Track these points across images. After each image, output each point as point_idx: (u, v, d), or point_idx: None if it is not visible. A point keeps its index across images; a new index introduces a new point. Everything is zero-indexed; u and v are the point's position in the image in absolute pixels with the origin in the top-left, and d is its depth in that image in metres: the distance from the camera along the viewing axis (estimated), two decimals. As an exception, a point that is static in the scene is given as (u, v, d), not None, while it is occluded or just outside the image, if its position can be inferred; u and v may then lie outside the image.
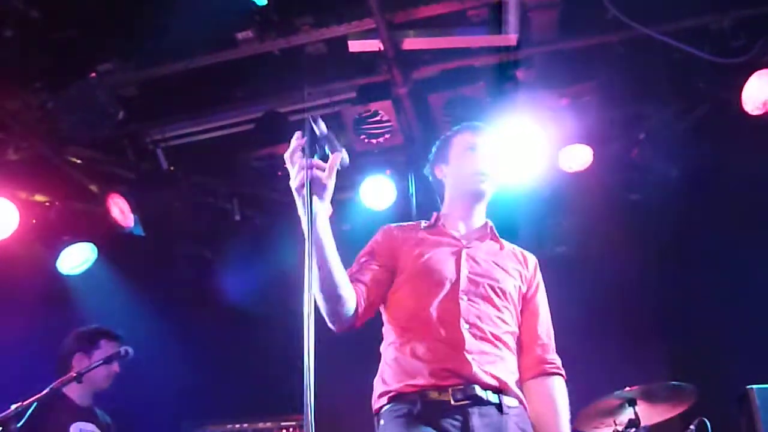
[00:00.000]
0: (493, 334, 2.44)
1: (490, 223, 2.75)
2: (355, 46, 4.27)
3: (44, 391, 3.38)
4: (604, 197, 5.14)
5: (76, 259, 5.09)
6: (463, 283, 2.49)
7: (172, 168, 5.15)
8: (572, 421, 2.52)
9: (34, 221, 4.94)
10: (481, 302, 2.48)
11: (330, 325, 2.30)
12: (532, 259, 2.74)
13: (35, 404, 3.27)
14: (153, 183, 5.13)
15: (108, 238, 5.08)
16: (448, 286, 2.48)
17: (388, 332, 2.54)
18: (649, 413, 3.91)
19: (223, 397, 5.49)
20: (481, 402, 2.32)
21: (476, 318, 2.44)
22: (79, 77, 4.29)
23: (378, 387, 2.47)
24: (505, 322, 2.51)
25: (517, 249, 2.75)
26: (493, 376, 2.37)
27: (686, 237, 5.21)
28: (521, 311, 2.62)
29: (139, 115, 4.75)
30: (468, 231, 2.70)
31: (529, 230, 5.19)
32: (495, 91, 4.58)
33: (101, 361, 3.70)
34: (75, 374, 3.55)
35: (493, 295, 2.52)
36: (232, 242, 5.51)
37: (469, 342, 2.39)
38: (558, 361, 2.59)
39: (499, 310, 2.51)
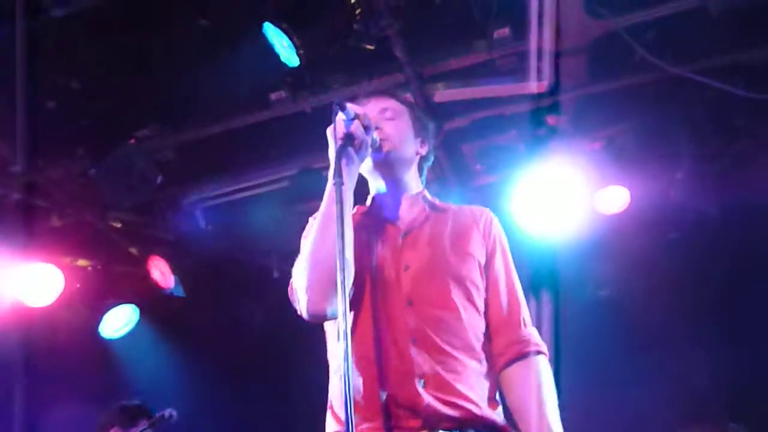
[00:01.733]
0: (454, 345, 2.00)
1: (425, 192, 2.30)
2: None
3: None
4: (643, 238, 5.03)
5: (119, 321, 5.13)
6: (407, 284, 2.05)
7: (209, 227, 5.16)
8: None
9: (78, 286, 5.00)
10: (433, 305, 2.03)
11: (309, 306, 1.96)
12: (485, 215, 2.26)
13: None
14: (192, 243, 5.15)
15: (150, 299, 5.12)
16: (388, 290, 2.05)
17: (332, 352, 2.12)
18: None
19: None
20: None
21: (429, 328, 1.99)
22: (118, 144, 4.38)
23: (328, 420, 2.07)
24: (471, 322, 2.07)
25: (465, 208, 2.29)
26: (455, 405, 1.94)
27: (731, 275, 5.09)
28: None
29: (176, 178, 4.81)
30: (402, 210, 2.23)
31: (570, 275, 5.06)
32: (528, 139, 4.56)
33: (146, 426, 3.69)
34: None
35: (449, 290, 2.06)
36: (272, 299, 5.41)
37: (420, 364, 1.95)
38: (534, 336, 2.14)
39: (458, 309, 2.05)
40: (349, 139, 2.00)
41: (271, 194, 5.03)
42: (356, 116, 2.02)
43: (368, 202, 2.30)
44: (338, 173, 1.89)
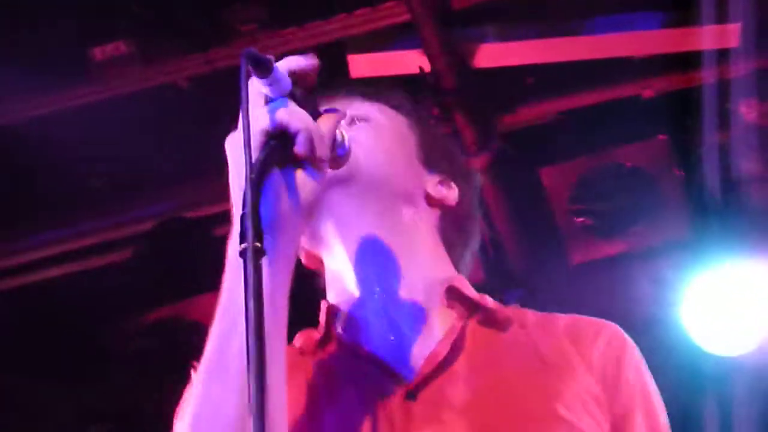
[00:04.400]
0: None
1: (461, 280, 2.33)
2: (360, 65, 4.61)
3: None
4: None
5: None
6: None
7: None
8: None
9: None
10: None
11: None
12: (604, 337, 2.32)
13: None
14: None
15: None
16: None
17: None
18: None
19: None
20: None
21: None
22: None
23: None
24: None
25: (559, 320, 2.34)
26: None
27: None
28: None
29: None
30: (406, 333, 2.28)
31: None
32: (687, 154, 4.82)
33: None
34: None
35: None
36: None
37: None
38: None
39: None
40: (277, 139, 1.93)
41: (98, 276, 5.33)
42: (294, 83, 1.99)
43: (322, 317, 2.31)
44: (252, 224, 1.76)
